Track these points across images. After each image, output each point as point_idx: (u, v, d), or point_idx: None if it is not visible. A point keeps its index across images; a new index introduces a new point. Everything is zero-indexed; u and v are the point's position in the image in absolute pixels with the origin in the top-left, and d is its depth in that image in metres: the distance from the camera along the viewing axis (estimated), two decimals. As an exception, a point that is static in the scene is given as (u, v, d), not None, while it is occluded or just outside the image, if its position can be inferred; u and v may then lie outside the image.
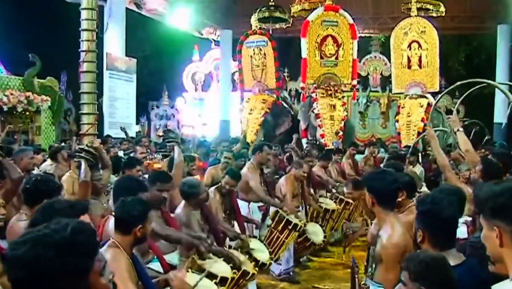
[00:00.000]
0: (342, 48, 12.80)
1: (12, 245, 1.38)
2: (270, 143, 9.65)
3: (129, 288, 2.65)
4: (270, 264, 5.37)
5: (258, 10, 14.85)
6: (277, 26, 15.79)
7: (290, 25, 15.91)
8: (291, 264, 6.78)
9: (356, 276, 3.67)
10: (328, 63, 12.85)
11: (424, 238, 2.38)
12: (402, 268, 2.13)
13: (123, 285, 2.61)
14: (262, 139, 12.34)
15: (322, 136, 12.35)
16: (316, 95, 12.66)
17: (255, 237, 5.51)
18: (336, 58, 12.87)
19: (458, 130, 4.37)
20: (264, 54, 14.12)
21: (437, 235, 2.37)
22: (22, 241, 1.36)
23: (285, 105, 14.37)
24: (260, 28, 14.81)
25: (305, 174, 6.91)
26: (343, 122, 12.59)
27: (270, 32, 15.16)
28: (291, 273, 6.79)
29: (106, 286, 1.56)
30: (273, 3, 15.04)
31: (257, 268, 4.87)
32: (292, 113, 14.30)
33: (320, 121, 12.44)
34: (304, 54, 12.72)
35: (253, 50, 14.20)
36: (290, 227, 6.04)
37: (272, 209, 6.44)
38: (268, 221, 6.26)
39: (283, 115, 13.79)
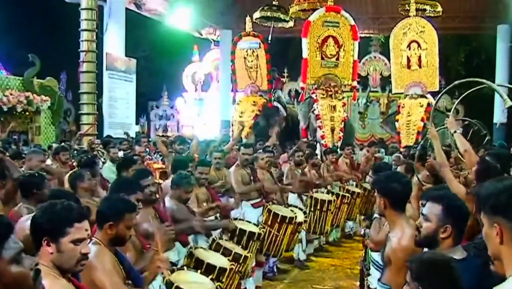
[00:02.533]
0: (343, 49, 12.77)
1: None
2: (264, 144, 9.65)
3: (114, 279, 2.69)
4: (260, 234, 5.43)
5: (260, 9, 14.87)
6: (280, 25, 15.77)
7: (293, 25, 15.91)
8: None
9: (366, 278, 3.67)
10: (329, 63, 12.83)
11: (451, 234, 2.39)
12: (408, 268, 2.13)
13: (106, 277, 2.66)
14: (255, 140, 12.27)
15: (323, 137, 12.35)
16: (316, 96, 12.66)
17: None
18: (337, 59, 12.84)
19: (455, 131, 4.37)
20: (257, 56, 14.09)
21: (460, 230, 2.42)
22: None
23: (279, 106, 14.29)
24: (260, 23, 14.76)
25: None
26: (343, 123, 12.60)
27: (271, 31, 15.12)
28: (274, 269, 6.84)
29: (22, 273, 1.58)
30: (276, 2, 15.04)
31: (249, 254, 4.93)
32: (286, 114, 14.25)
33: (321, 122, 12.45)
34: (305, 54, 12.68)
35: (246, 51, 14.16)
36: (278, 221, 6.05)
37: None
38: (261, 218, 6.26)
39: (275, 116, 13.74)
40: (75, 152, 8.39)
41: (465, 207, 2.45)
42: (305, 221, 6.66)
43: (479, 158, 4.04)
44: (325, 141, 11.96)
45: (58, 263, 2.14)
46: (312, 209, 7.28)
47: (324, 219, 7.38)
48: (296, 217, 6.20)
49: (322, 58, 12.77)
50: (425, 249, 2.62)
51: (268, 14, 14.80)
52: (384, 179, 3.13)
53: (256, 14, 14.93)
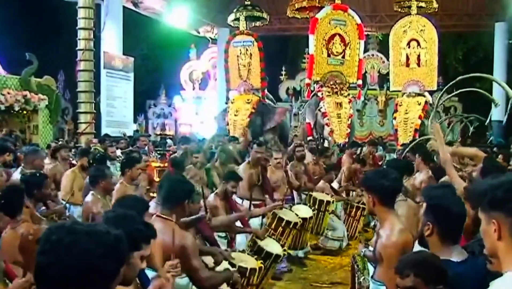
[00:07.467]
0: (349, 47, 12.84)
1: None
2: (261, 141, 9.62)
3: None
4: (285, 255, 5.36)
5: (235, 10, 14.77)
6: (257, 24, 15.64)
7: (267, 23, 15.80)
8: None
9: (356, 275, 3.67)
10: (335, 61, 12.89)
11: (432, 232, 2.38)
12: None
13: None
14: (251, 139, 12.26)
15: (331, 134, 12.40)
16: (322, 94, 12.71)
17: None
18: (343, 56, 12.91)
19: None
20: (251, 54, 14.04)
21: (446, 229, 2.38)
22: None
23: (270, 103, 14.28)
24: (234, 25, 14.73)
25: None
26: (350, 120, 12.64)
27: (246, 29, 14.99)
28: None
29: None
30: (249, 2, 14.90)
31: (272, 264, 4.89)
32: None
33: (328, 119, 12.49)
34: (311, 50, 12.77)
35: (240, 50, 14.11)
36: (283, 225, 6.01)
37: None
38: (266, 220, 6.21)
39: (270, 113, 13.72)
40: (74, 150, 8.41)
41: (450, 206, 2.38)
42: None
43: (484, 157, 4.03)
44: (333, 138, 12.02)
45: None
46: (311, 207, 7.26)
47: (321, 219, 7.35)
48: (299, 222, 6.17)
49: (329, 56, 12.83)
50: (416, 246, 2.64)
51: (244, 14, 14.68)
52: (372, 176, 3.13)
53: (232, 16, 14.81)
